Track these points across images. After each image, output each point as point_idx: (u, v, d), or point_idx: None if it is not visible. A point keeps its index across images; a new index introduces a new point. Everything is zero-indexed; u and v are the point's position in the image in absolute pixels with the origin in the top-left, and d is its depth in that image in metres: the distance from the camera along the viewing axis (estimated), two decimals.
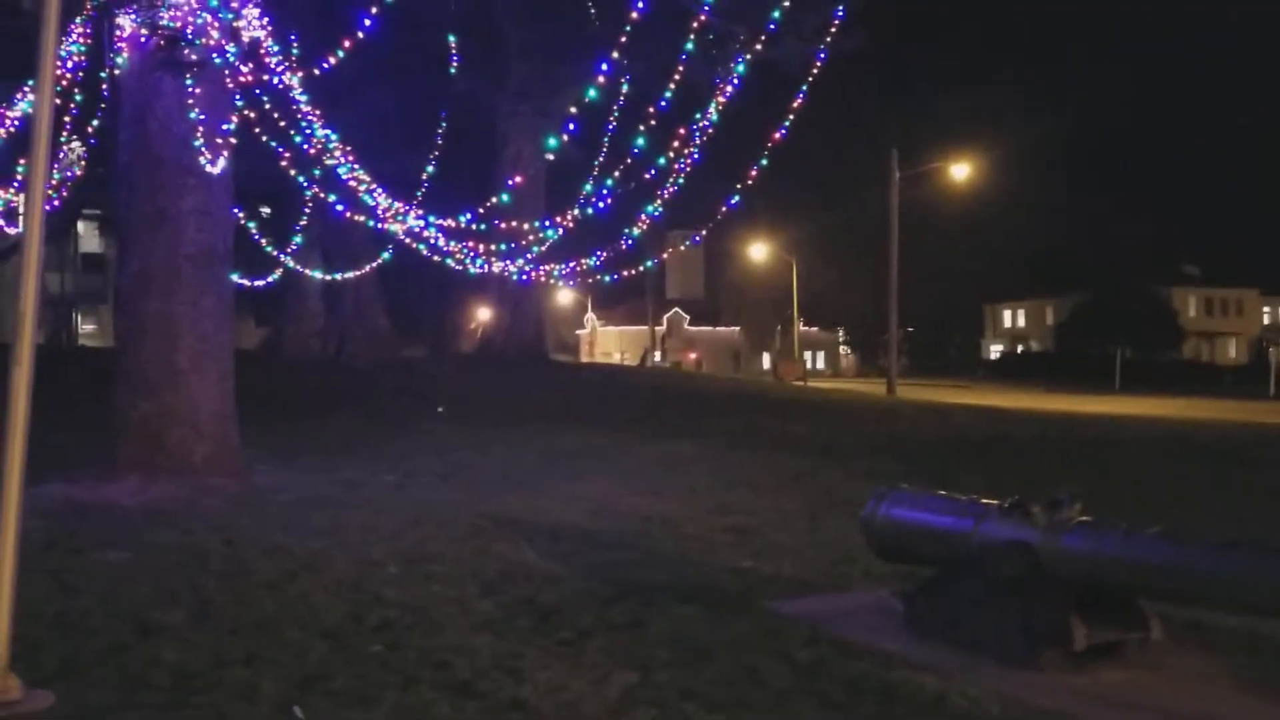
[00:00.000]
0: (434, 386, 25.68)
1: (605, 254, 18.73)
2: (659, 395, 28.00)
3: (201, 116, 11.81)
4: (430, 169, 17.50)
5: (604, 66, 14.35)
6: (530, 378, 29.34)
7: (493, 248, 17.70)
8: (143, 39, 11.83)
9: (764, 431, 19.54)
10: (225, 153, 12.16)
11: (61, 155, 14.01)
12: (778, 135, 16.17)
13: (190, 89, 11.78)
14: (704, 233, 21.46)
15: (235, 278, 14.01)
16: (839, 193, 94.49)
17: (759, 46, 15.80)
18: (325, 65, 12.75)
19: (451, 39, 18.86)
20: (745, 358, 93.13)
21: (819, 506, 11.18)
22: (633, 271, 21.96)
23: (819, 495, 11.98)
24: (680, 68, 14.98)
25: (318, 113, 13.16)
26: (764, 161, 16.70)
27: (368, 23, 12.53)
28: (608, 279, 20.66)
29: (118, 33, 12.00)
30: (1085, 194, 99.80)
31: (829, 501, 11.46)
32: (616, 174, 16.04)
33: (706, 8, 14.40)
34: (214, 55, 11.75)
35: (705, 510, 10.88)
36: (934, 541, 6.56)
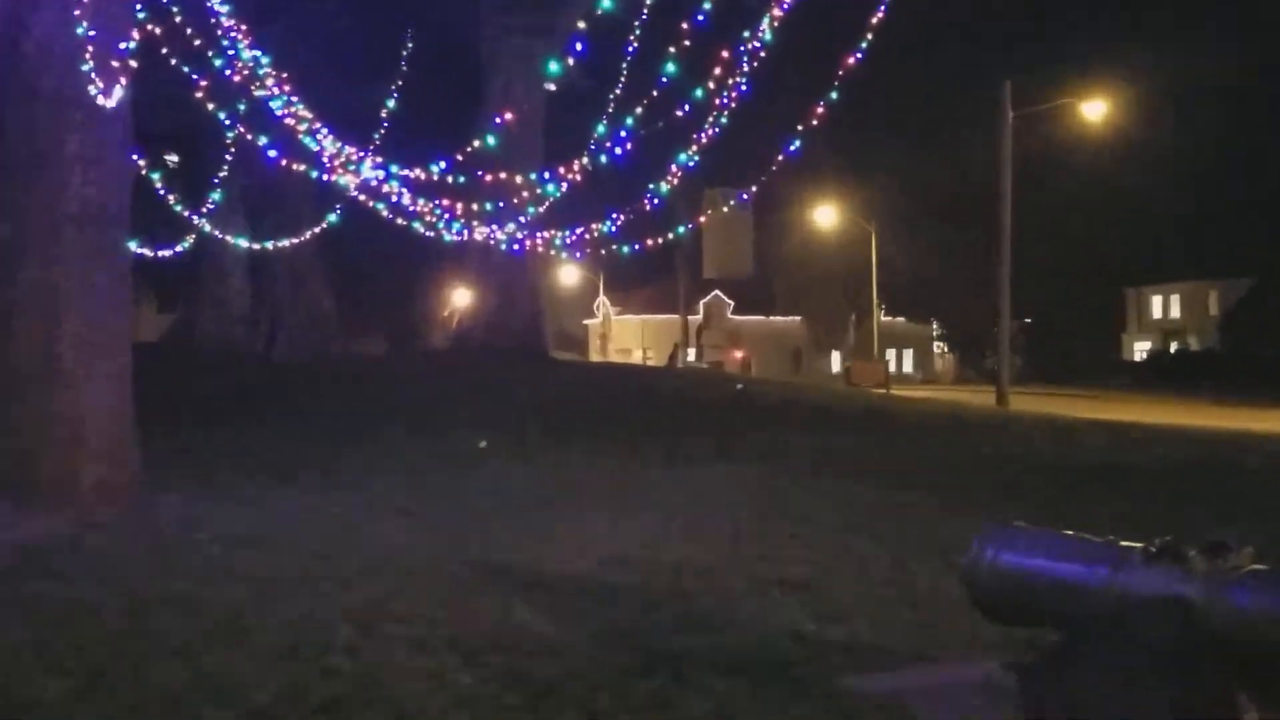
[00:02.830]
0: (395, 391, 25.76)
1: (623, 217, 18.74)
2: (694, 406, 28.01)
3: (91, 33, 11.88)
4: (392, 103, 17.59)
5: None
6: (523, 381, 29.39)
7: (475, 208, 17.75)
8: None
9: (833, 454, 19.53)
10: (122, 80, 12.23)
11: None
12: (852, 61, 16.15)
13: None
14: (753, 190, 21.46)
15: (134, 246, 14.09)
16: (933, 141, 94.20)
17: None
18: None
19: None
20: (808, 357, 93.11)
21: (905, 552, 11.17)
22: (659, 241, 21.97)
23: (905, 537, 11.98)
24: None
25: (244, 28, 13.24)
26: (833, 95, 16.69)
27: None
28: (626, 250, 20.66)
29: None
30: (1260, 145, 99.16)
31: (918, 545, 11.46)
32: (638, 111, 16.06)
33: None
34: None
35: (755, 557, 10.89)
36: (1058, 596, 6.56)
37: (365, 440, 18.76)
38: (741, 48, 15.54)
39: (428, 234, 17.95)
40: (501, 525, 12.06)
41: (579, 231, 19.55)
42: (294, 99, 14.03)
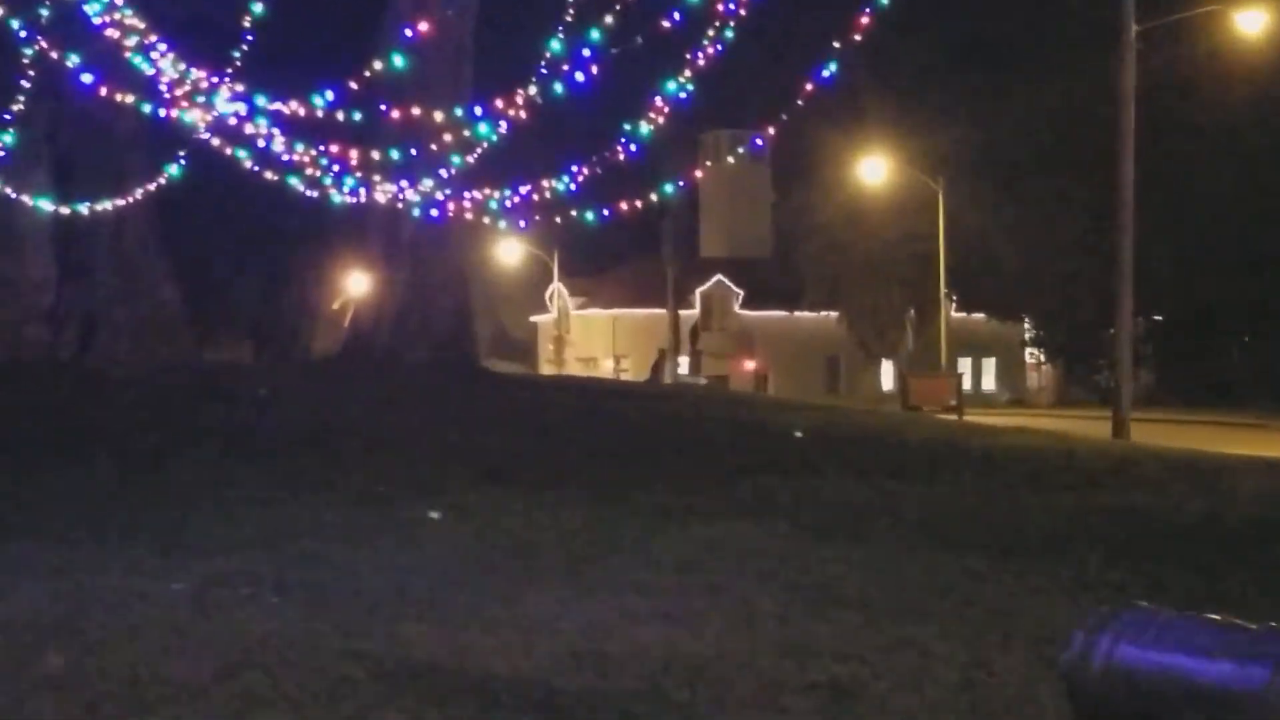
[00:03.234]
0: (263, 418, 25.72)
1: (586, 171, 18.74)
2: (688, 439, 28.03)
3: None
4: (259, 8, 17.57)
5: None
6: (446, 404, 29.37)
7: (376, 156, 17.72)
8: None
9: (884, 506, 19.55)
10: None
11: None
12: None
13: None
14: (771, 133, 21.49)
15: None
16: (1025, 67, 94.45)
17: None
18: None
19: None
20: (850, 369, 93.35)
21: (984, 643, 11.19)
22: (638, 205, 21.98)
23: (984, 623, 12.00)
24: None
25: None
26: (883, 1, 16.72)
27: None
28: (591, 218, 20.68)
29: None
30: None
31: (1003, 634, 11.48)
32: (608, 21, 16.06)
33: None
34: None
35: (774, 650, 10.89)
36: (1197, 705, 6.55)
37: (221, 486, 18.69)
38: None
39: (310, 193, 17.93)
40: (413, 608, 12.04)
41: (524, 191, 19.53)
42: (119, 2, 14.01)
